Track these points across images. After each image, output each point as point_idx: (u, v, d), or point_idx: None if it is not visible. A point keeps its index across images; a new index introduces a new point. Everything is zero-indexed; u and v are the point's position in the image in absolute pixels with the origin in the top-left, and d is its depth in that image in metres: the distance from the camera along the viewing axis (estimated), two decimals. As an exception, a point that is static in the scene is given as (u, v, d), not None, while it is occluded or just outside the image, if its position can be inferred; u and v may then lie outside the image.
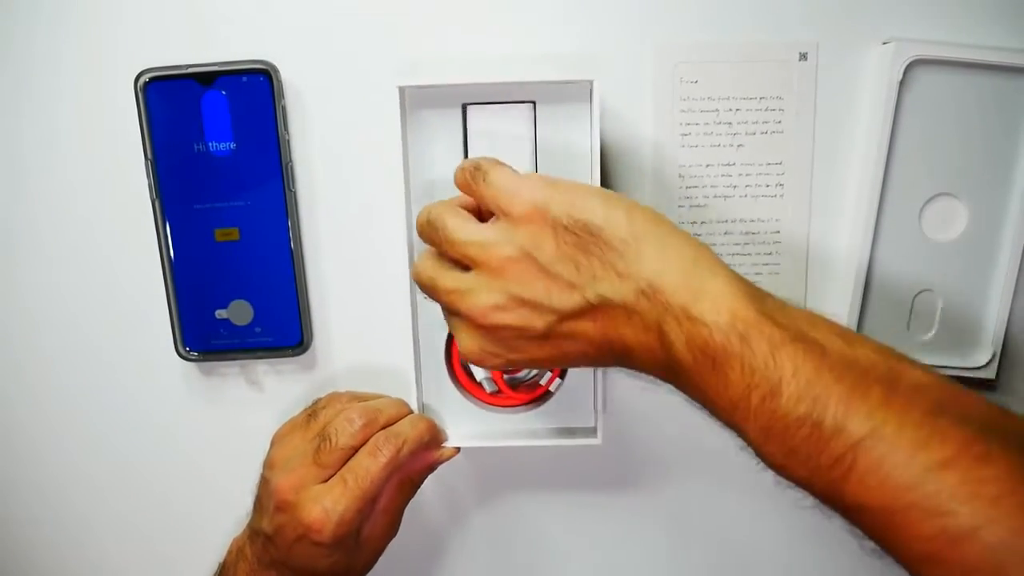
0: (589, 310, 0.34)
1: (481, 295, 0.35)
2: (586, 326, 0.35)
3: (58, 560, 0.55)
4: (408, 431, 0.43)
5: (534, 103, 0.45)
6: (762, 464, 0.32)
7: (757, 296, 0.33)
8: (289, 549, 0.42)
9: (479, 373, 0.48)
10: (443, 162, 0.45)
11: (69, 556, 0.55)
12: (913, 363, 0.32)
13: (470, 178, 0.37)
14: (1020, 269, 0.49)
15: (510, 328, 0.35)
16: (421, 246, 0.44)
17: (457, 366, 0.48)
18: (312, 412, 0.46)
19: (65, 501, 0.55)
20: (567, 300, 0.34)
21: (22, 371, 0.53)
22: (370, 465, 0.41)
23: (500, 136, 0.45)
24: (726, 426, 0.33)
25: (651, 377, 0.35)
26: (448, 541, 0.55)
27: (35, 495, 0.55)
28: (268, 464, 0.44)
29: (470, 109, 0.45)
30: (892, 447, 0.28)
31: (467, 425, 0.48)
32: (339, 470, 0.42)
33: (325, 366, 0.52)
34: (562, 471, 0.54)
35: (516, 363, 0.37)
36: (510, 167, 0.38)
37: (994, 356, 0.49)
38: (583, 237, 0.34)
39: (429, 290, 0.38)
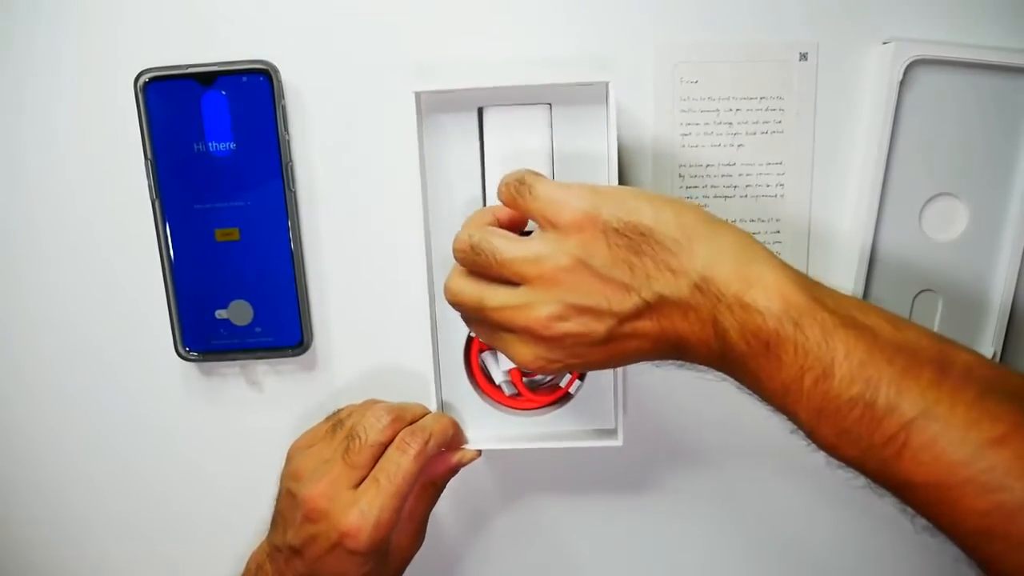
0: (647, 310, 0.35)
1: (539, 308, 0.35)
2: (645, 325, 0.35)
3: (58, 560, 0.55)
4: (433, 425, 0.43)
5: (550, 105, 0.45)
6: (813, 446, 0.33)
7: (807, 284, 0.34)
8: (319, 561, 0.41)
9: (498, 376, 0.47)
10: (458, 165, 0.45)
11: (69, 556, 0.55)
12: (961, 346, 0.32)
13: (515, 192, 0.37)
14: (1020, 269, 0.49)
15: (572, 336, 0.36)
16: (438, 251, 0.44)
17: (476, 368, 0.47)
18: (337, 421, 0.45)
19: (65, 501, 0.54)
20: (625, 302, 0.35)
21: (22, 371, 0.53)
22: (400, 460, 0.41)
23: (516, 138, 0.45)
24: (777, 411, 0.34)
25: (704, 367, 0.36)
26: (469, 544, 0.55)
27: (35, 495, 0.55)
28: (291, 476, 0.43)
29: (486, 112, 0.45)
30: (945, 425, 0.29)
31: (487, 428, 0.47)
32: (370, 471, 0.42)
33: (325, 366, 0.52)
34: (583, 473, 0.53)
35: (575, 367, 0.37)
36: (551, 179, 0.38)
37: (994, 356, 0.49)
38: (634, 239, 0.35)
39: (474, 310, 0.38)
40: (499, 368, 0.47)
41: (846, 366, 0.31)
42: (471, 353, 0.47)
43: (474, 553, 0.55)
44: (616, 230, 0.35)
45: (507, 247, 0.36)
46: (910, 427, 0.29)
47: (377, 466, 0.42)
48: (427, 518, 0.46)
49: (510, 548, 0.55)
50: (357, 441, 0.42)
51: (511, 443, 0.46)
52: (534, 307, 0.36)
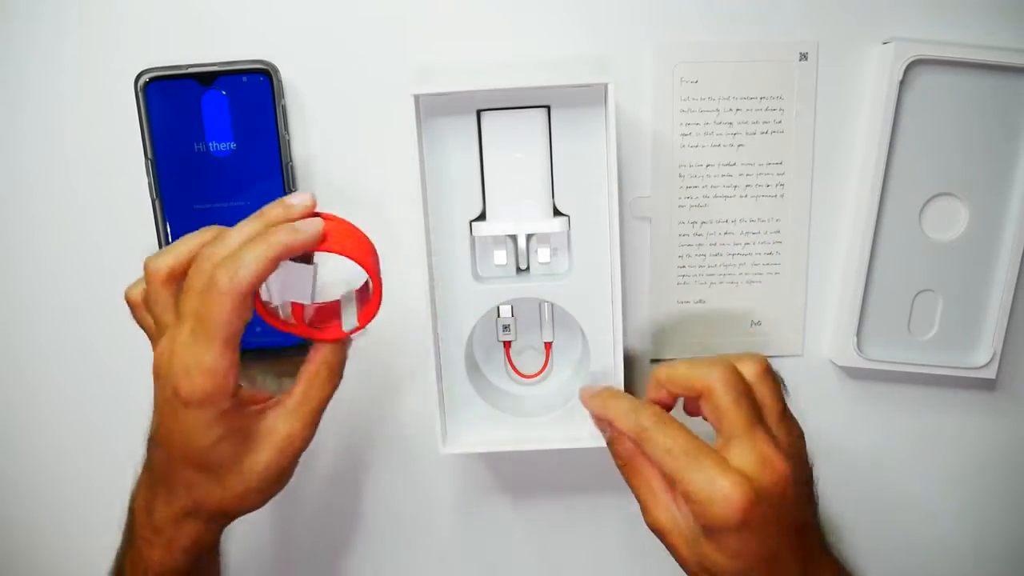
0: None
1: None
2: None
3: (58, 560, 0.55)
4: (246, 256, 0.36)
5: (548, 108, 0.45)
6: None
7: None
8: (171, 435, 0.37)
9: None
10: (457, 168, 0.45)
11: (69, 556, 0.55)
12: None
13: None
14: (1020, 269, 0.49)
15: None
16: (439, 253, 0.45)
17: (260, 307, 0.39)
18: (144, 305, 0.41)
19: (65, 501, 0.54)
20: None
21: (22, 371, 0.53)
22: (209, 301, 0.35)
23: (515, 142, 0.45)
24: None
25: None
26: (470, 545, 0.55)
27: (35, 495, 0.55)
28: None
29: (484, 115, 0.45)
30: None
31: (489, 430, 0.47)
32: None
33: (325, 366, 0.52)
34: (585, 474, 0.53)
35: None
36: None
37: (994, 356, 0.49)
38: None
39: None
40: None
41: None
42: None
43: (475, 555, 0.55)
44: None
45: None
46: None
47: (188, 311, 0.36)
48: (322, 405, 0.40)
49: (511, 549, 0.55)
50: (183, 294, 0.37)
51: (513, 445, 0.46)
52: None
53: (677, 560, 0.38)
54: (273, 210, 0.38)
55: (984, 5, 0.47)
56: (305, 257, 0.40)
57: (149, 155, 0.48)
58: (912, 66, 0.46)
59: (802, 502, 0.39)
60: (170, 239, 0.49)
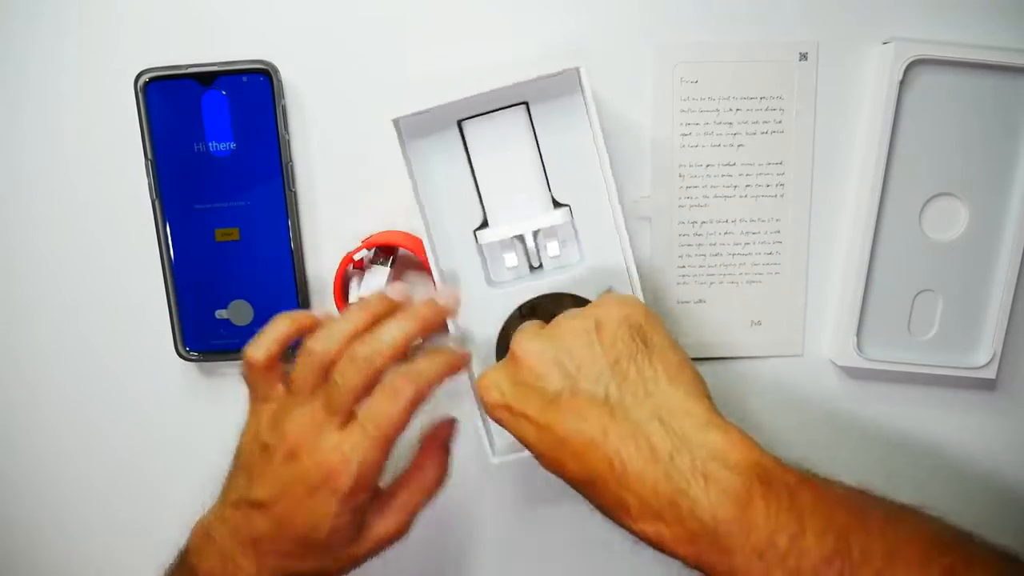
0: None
1: None
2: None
3: (58, 560, 0.55)
4: (426, 367, 0.40)
5: (526, 104, 0.45)
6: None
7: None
8: (288, 510, 0.38)
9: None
10: (451, 182, 0.45)
11: (69, 556, 0.55)
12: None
13: None
14: (1020, 269, 0.49)
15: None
16: (449, 268, 0.45)
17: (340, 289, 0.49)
18: (265, 371, 0.42)
19: (65, 501, 0.54)
20: None
21: (22, 371, 0.53)
22: (388, 409, 0.38)
23: (501, 144, 0.45)
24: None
25: None
26: (472, 547, 0.55)
27: (35, 495, 0.55)
28: (267, 426, 0.41)
29: (466, 125, 0.45)
30: None
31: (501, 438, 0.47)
32: (351, 415, 0.39)
33: (325, 366, 0.52)
34: None
35: None
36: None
37: (994, 356, 0.49)
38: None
39: None
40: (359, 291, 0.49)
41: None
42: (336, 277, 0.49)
43: (477, 558, 0.55)
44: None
45: None
46: None
47: (363, 410, 0.38)
48: (422, 507, 0.43)
49: (523, 555, 0.55)
50: (335, 388, 0.38)
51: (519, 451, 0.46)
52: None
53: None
54: (425, 309, 0.41)
55: (984, 5, 0.47)
56: (385, 260, 0.48)
57: (149, 155, 0.48)
58: (912, 66, 0.46)
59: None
60: (170, 239, 0.49)
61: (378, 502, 0.42)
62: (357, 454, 0.38)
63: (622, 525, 0.36)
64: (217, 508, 0.42)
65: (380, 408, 0.38)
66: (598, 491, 0.36)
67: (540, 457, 0.38)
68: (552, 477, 0.38)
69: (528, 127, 0.45)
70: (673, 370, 0.37)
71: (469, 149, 0.45)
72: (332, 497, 0.38)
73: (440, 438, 0.44)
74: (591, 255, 0.46)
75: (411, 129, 0.44)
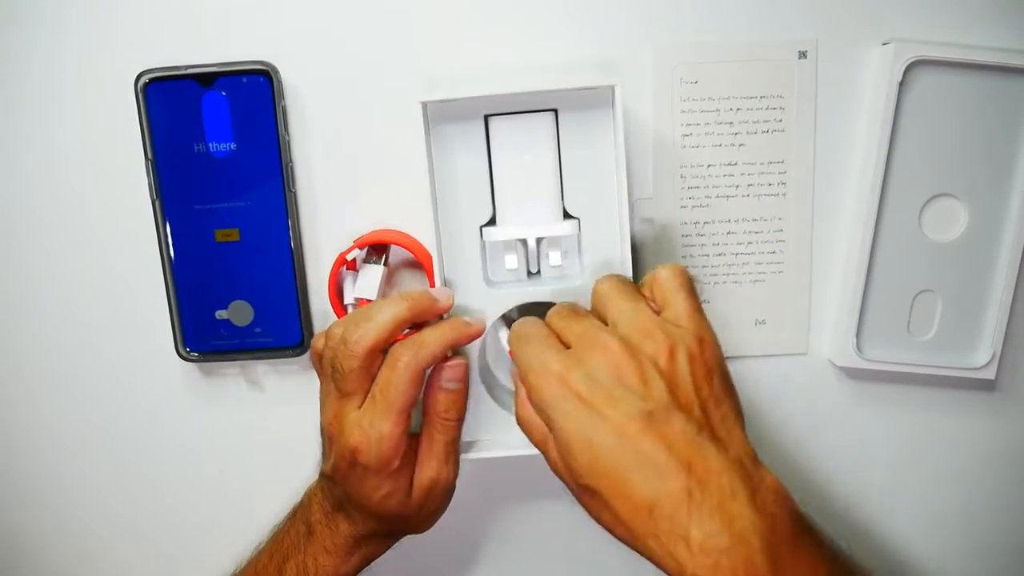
0: None
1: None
2: None
3: (58, 560, 0.55)
4: (427, 335, 0.42)
5: (556, 111, 0.45)
6: None
7: None
8: (346, 482, 0.43)
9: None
10: (467, 174, 0.45)
11: (69, 556, 0.55)
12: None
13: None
14: (1020, 269, 0.49)
15: None
16: (449, 260, 0.45)
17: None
18: (317, 359, 0.45)
19: (65, 501, 0.54)
20: None
21: (22, 371, 0.53)
22: (391, 376, 0.41)
23: (524, 146, 0.45)
24: None
25: None
26: (475, 547, 0.55)
27: (35, 495, 0.55)
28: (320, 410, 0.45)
29: (492, 120, 0.45)
30: None
31: (496, 434, 0.47)
32: (367, 390, 0.42)
33: (325, 366, 0.52)
34: None
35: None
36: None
37: (994, 356, 0.49)
38: None
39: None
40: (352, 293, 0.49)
41: None
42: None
43: (479, 557, 0.55)
44: None
45: None
46: None
47: (374, 384, 0.42)
48: (452, 445, 0.44)
49: (526, 555, 0.55)
50: (339, 373, 0.42)
51: (528, 449, 0.46)
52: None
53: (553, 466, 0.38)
54: (418, 295, 0.43)
55: (984, 5, 0.47)
56: (378, 259, 0.49)
57: (149, 155, 0.48)
58: (912, 67, 0.46)
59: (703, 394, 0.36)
60: (170, 239, 0.49)
61: (412, 455, 0.44)
62: (375, 428, 0.41)
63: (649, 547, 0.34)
64: (319, 477, 0.47)
65: (382, 377, 0.42)
66: (651, 516, 0.33)
67: (576, 456, 0.35)
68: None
69: (554, 134, 0.45)
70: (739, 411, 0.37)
71: (491, 145, 0.45)
72: (366, 472, 0.42)
73: (435, 380, 0.44)
74: (592, 271, 0.46)
75: (437, 115, 0.44)
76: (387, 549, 0.47)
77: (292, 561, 0.45)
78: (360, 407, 0.42)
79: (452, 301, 0.44)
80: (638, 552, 0.34)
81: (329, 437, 0.43)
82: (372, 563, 0.47)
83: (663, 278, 0.39)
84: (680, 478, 0.33)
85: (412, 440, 0.44)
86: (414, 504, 0.44)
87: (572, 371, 0.36)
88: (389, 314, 0.41)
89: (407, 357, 0.41)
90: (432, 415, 0.44)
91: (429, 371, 0.43)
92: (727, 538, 0.31)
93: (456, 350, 0.45)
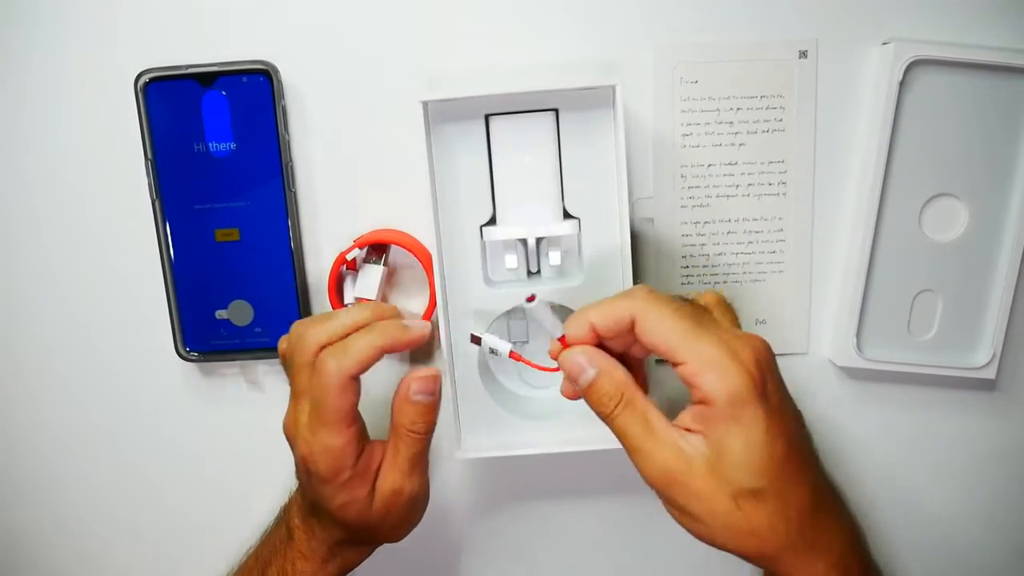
0: None
1: None
2: None
3: (58, 560, 0.55)
4: (354, 341, 0.40)
5: (556, 111, 0.45)
6: None
7: None
8: (307, 489, 0.43)
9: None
10: (467, 173, 0.45)
11: (69, 556, 0.55)
12: None
13: None
14: (1020, 269, 0.49)
15: None
16: (449, 258, 0.45)
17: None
18: (283, 360, 0.44)
19: (65, 501, 0.54)
20: None
21: (22, 371, 0.53)
22: (320, 383, 0.39)
23: (524, 145, 0.45)
24: None
25: None
26: (476, 547, 0.55)
27: (35, 495, 0.55)
28: None
29: (493, 120, 0.45)
30: None
31: (498, 434, 0.47)
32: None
33: (325, 366, 0.52)
34: (590, 476, 0.53)
35: None
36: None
37: (994, 356, 0.49)
38: None
39: None
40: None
41: None
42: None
43: (481, 557, 0.55)
44: None
45: None
46: None
47: (310, 389, 0.40)
48: (418, 457, 0.43)
49: (519, 555, 0.55)
50: (292, 370, 0.41)
51: (526, 449, 0.46)
52: None
53: (695, 511, 0.33)
54: (385, 307, 0.44)
55: (984, 5, 0.47)
56: (377, 258, 0.48)
57: (149, 155, 0.48)
58: (912, 66, 0.46)
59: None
60: (170, 239, 0.49)
61: (373, 464, 0.43)
62: (318, 439, 0.40)
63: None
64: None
65: (313, 384, 0.40)
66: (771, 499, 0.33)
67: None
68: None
69: (554, 134, 0.45)
70: None
71: (492, 144, 0.45)
72: (319, 481, 0.41)
73: (403, 390, 0.43)
74: (591, 271, 0.46)
75: (438, 114, 0.44)
76: (364, 558, 0.46)
77: (274, 566, 0.44)
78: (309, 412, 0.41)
79: (424, 335, 0.43)
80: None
81: (288, 441, 0.42)
82: (352, 571, 0.46)
83: None
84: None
85: (376, 447, 0.43)
86: (375, 514, 0.42)
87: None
88: (349, 320, 0.41)
89: (331, 364, 0.39)
90: (398, 426, 0.42)
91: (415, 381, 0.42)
92: None
93: (429, 359, 0.44)
